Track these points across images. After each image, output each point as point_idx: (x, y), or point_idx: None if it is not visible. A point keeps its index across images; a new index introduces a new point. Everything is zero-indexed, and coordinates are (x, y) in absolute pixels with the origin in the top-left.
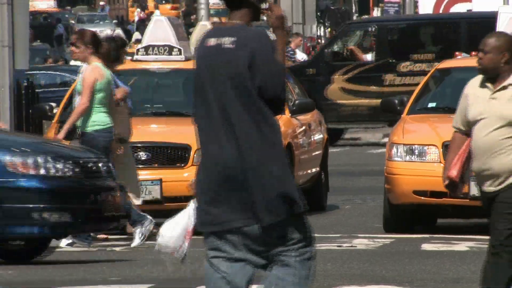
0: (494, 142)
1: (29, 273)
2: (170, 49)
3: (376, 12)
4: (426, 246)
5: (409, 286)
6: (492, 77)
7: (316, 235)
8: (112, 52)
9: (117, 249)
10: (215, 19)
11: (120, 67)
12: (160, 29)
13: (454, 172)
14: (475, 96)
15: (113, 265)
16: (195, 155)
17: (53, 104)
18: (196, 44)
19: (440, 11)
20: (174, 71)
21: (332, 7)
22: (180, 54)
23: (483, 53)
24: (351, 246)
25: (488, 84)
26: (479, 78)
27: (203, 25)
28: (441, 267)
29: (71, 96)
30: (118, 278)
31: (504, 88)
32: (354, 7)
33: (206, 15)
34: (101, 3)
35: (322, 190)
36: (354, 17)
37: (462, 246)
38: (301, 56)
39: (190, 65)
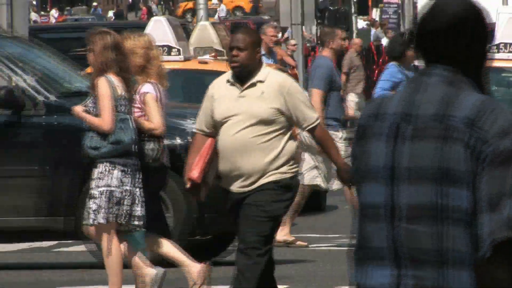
0: (244, 141)
1: (29, 273)
2: (169, 50)
3: (375, 13)
4: None
5: None
6: (245, 74)
7: (315, 235)
8: None
9: None
10: (214, 19)
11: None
12: (159, 30)
13: (195, 173)
14: (222, 96)
15: None
16: None
17: None
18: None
19: None
20: (173, 72)
21: (331, 8)
22: (179, 54)
23: (238, 50)
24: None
25: (236, 83)
26: (224, 77)
27: (203, 26)
28: None
29: None
30: None
31: (253, 85)
32: (353, 8)
33: (205, 15)
34: (94, 3)
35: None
36: (353, 18)
37: None
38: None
39: (189, 65)
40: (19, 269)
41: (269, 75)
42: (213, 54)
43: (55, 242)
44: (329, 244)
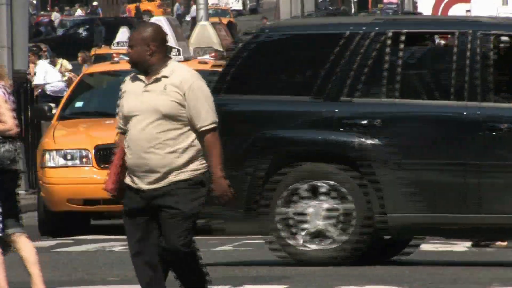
0: (151, 136)
1: (28, 273)
2: (169, 50)
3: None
4: (424, 247)
5: (408, 287)
6: (144, 70)
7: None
8: None
9: (116, 249)
10: (215, 20)
11: (119, 68)
12: None
13: (109, 185)
14: (129, 91)
15: (112, 266)
16: None
17: (52, 105)
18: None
19: (439, 12)
20: None
21: (331, 8)
22: (179, 54)
23: (130, 48)
24: None
25: (142, 78)
26: (133, 73)
27: (203, 25)
28: (439, 268)
29: (70, 95)
30: (117, 278)
31: (157, 80)
32: (353, 8)
33: (206, 15)
34: (94, 3)
35: None
36: None
37: (460, 246)
38: None
39: (189, 65)
40: (19, 269)
41: (175, 71)
42: (213, 54)
43: (55, 242)
44: None
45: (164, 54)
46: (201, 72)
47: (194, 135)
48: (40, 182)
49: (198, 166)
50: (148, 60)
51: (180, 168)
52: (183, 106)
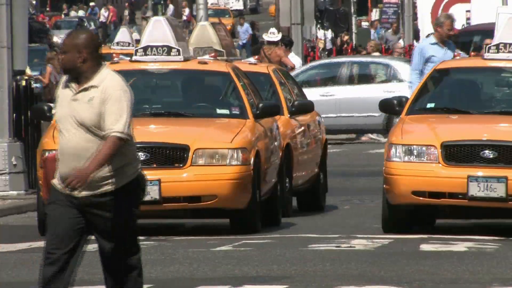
0: (79, 146)
1: (28, 273)
2: (168, 50)
3: (374, 13)
4: (424, 247)
5: (407, 287)
6: (75, 77)
7: (314, 235)
8: None
9: None
10: (215, 20)
11: (119, 68)
12: (158, 30)
13: (44, 194)
14: (60, 97)
15: None
16: (193, 156)
17: (52, 105)
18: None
19: (439, 12)
20: (173, 72)
21: (331, 8)
22: (179, 54)
23: (63, 54)
24: (350, 247)
25: (72, 85)
26: (67, 77)
27: (203, 26)
28: (439, 268)
29: None
30: None
31: (86, 90)
32: (352, 8)
33: (205, 15)
34: (91, 3)
35: (320, 191)
36: (353, 18)
37: (460, 246)
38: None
39: (189, 65)
40: (19, 269)
41: (104, 80)
42: (212, 54)
43: None
44: (329, 244)
45: (96, 62)
46: (201, 72)
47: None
48: (40, 182)
49: (129, 173)
50: (80, 67)
51: (110, 177)
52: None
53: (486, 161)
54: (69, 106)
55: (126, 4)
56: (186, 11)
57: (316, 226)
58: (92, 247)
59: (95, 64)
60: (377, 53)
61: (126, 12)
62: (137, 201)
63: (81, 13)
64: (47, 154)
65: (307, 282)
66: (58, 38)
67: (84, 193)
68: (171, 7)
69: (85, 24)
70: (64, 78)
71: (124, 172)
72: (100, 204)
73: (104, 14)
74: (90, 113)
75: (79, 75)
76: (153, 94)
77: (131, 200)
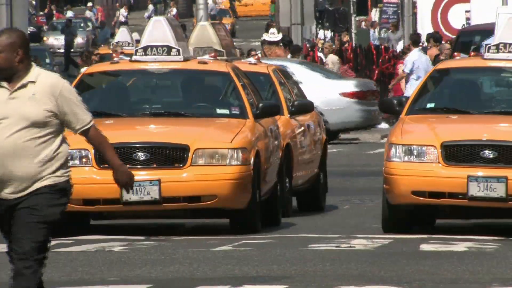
0: (17, 145)
1: None
2: (168, 50)
3: (374, 13)
4: (424, 247)
5: (407, 287)
6: (9, 77)
7: (314, 235)
8: None
9: (116, 249)
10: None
11: (119, 68)
12: (158, 30)
13: None
14: None
15: (111, 266)
16: (193, 156)
17: None
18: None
19: (439, 12)
20: (173, 72)
21: (330, 8)
22: (179, 54)
23: None
24: (350, 247)
25: (5, 84)
26: None
27: (203, 26)
28: (439, 268)
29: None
30: (116, 278)
31: (24, 86)
32: (352, 8)
33: (205, 15)
34: (89, 4)
35: (320, 191)
36: (352, 18)
37: (460, 246)
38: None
39: (189, 65)
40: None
41: (40, 76)
42: (212, 54)
43: (55, 242)
44: (329, 244)
45: (29, 61)
46: (201, 72)
47: (58, 142)
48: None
49: (62, 174)
50: (16, 67)
51: (45, 176)
52: (53, 112)
53: (486, 161)
54: (7, 105)
55: (117, 4)
56: (174, 10)
57: (316, 226)
58: (92, 247)
59: (28, 63)
60: (333, 56)
61: (118, 13)
62: (60, 204)
63: (70, 14)
64: None
65: (307, 282)
66: (54, 39)
67: (15, 196)
68: (174, 10)
69: (72, 25)
70: None
71: (56, 172)
72: (27, 199)
73: (91, 16)
74: (36, 108)
75: (13, 75)
76: (153, 94)
77: (57, 201)
